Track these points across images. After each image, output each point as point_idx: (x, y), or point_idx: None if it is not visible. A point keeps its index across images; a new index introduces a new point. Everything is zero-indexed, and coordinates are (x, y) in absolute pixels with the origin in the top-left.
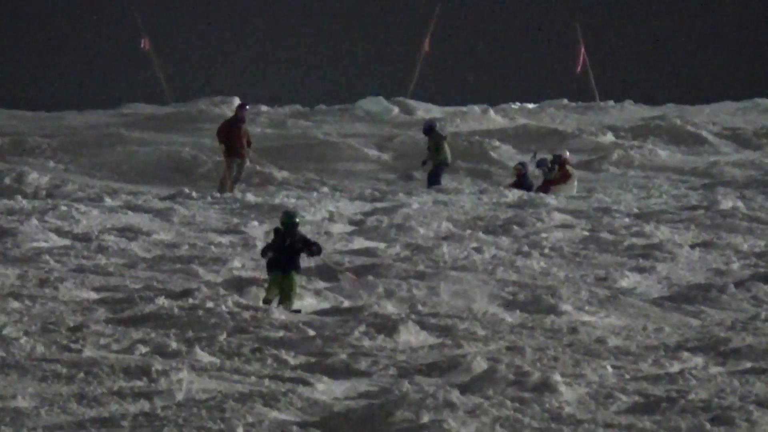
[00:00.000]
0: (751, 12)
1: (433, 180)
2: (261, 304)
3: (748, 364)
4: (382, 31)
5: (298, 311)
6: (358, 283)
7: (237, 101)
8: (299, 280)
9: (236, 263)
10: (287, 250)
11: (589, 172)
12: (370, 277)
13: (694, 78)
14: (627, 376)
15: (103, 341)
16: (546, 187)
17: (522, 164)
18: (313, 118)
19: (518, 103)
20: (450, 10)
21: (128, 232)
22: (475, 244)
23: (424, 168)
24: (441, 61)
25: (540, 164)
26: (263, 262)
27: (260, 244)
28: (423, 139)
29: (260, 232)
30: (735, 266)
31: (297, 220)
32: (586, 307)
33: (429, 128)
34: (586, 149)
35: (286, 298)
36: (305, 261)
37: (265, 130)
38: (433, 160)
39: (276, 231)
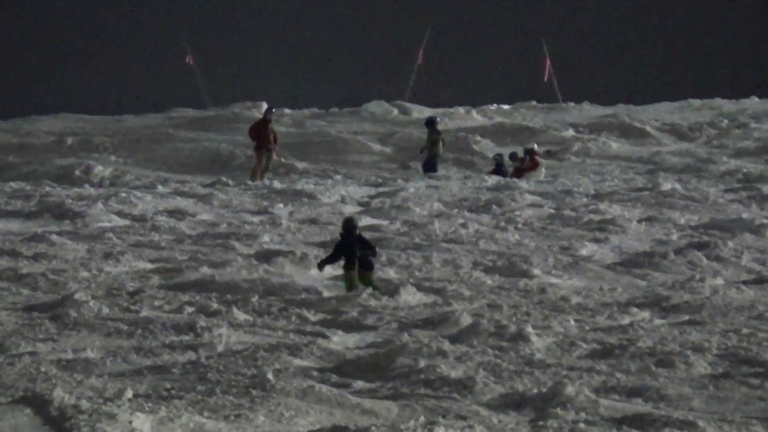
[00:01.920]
0: (685, 28)
1: (430, 168)
2: (347, 293)
3: (686, 317)
4: (383, 47)
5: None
6: None
7: (265, 105)
8: (373, 275)
9: (265, 238)
10: (349, 248)
11: (554, 161)
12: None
13: (640, 83)
14: (587, 328)
15: (156, 303)
16: (519, 174)
17: (499, 155)
18: (328, 119)
19: (496, 105)
20: (440, 28)
21: (177, 214)
22: (461, 221)
23: (421, 155)
24: (432, 71)
25: (512, 157)
26: (288, 237)
27: (285, 222)
28: (421, 133)
29: (285, 212)
30: (674, 237)
31: (356, 223)
32: (553, 272)
33: (430, 122)
34: (552, 142)
35: (374, 291)
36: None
37: (289, 129)
38: (429, 151)
39: (341, 235)
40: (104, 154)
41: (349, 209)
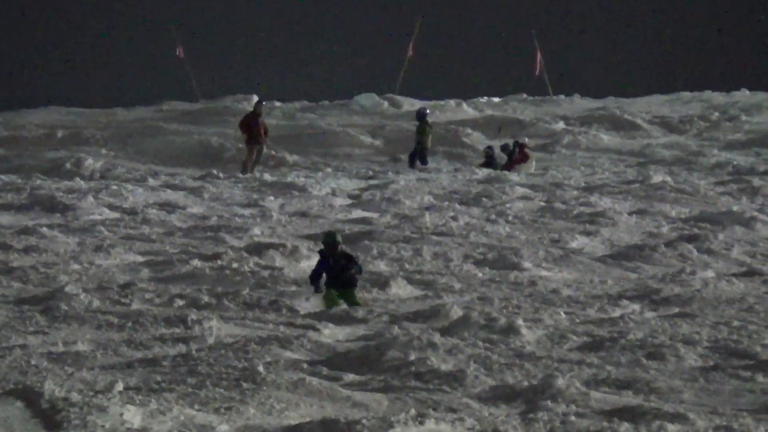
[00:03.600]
0: (676, 21)
1: (424, 160)
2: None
3: (676, 310)
4: (373, 39)
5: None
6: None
7: (255, 98)
8: (358, 293)
9: (256, 231)
10: (333, 268)
11: (545, 153)
12: (366, 242)
13: (631, 75)
14: (577, 320)
15: (147, 296)
16: (509, 167)
17: (490, 147)
18: (318, 112)
19: (486, 98)
20: (430, 20)
21: (167, 207)
22: (451, 214)
23: (428, 150)
24: (422, 63)
25: (504, 149)
26: (279, 229)
27: (275, 215)
28: (411, 125)
29: (276, 205)
30: (665, 229)
31: (338, 239)
32: (543, 264)
33: (422, 116)
34: (542, 135)
35: (353, 307)
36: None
37: (279, 121)
38: (422, 143)
39: (320, 252)
40: (95, 147)
41: (340, 202)
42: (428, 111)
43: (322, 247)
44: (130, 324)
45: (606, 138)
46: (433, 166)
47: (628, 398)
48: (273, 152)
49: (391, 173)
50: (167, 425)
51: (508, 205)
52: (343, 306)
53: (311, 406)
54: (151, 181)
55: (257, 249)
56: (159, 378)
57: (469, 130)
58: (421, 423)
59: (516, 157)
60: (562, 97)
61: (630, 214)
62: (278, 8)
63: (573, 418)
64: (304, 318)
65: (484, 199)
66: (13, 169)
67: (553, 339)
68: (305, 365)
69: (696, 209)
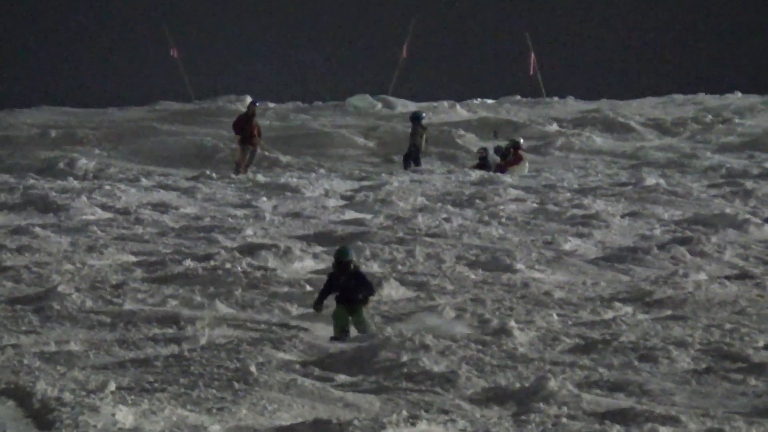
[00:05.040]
0: (669, 24)
1: (417, 161)
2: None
3: (668, 312)
4: (367, 40)
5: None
6: None
7: (249, 99)
8: (366, 312)
9: (249, 232)
10: (343, 288)
11: (538, 155)
12: (359, 243)
13: (624, 78)
14: (570, 323)
15: (140, 296)
16: (503, 168)
17: (483, 149)
18: (311, 112)
19: (479, 99)
20: (424, 22)
21: (160, 207)
22: (444, 215)
23: (423, 152)
24: (416, 64)
25: (497, 151)
26: (272, 230)
27: (268, 216)
28: (405, 127)
29: (269, 206)
30: (657, 232)
31: (351, 256)
32: (536, 266)
33: (415, 117)
34: (535, 137)
35: (360, 326)
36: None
37: (272, 122)
38: (416, 145)
39: (330, 275)
40: (88, 147)
41: (333, 203)
42: (424, 114)
43: (334, 264)
44: (122, 324)
45: (599, 140)
46: (426, 168)
47: (620, 400)
48: (267, 153)
49: (384, 174)
50: (159, 425)
51: (501, 207)
52: (355, 333)
53: (303, 407)
54: (144, 182)
55: (250, 250)
56: (151, 378)
57: (463, 132)
58: (413, 424)
59: (510, 158)
60: (555, 98)
61: (623, 216)
62: (272, 9)
63: (565, 420)
64: (297, 318)
65: (477, 201)
66: (6, 168)
67: (546, 341)
68: (297, 366)
69: (689, 212)
